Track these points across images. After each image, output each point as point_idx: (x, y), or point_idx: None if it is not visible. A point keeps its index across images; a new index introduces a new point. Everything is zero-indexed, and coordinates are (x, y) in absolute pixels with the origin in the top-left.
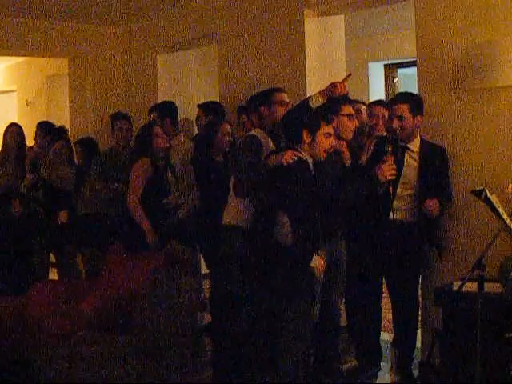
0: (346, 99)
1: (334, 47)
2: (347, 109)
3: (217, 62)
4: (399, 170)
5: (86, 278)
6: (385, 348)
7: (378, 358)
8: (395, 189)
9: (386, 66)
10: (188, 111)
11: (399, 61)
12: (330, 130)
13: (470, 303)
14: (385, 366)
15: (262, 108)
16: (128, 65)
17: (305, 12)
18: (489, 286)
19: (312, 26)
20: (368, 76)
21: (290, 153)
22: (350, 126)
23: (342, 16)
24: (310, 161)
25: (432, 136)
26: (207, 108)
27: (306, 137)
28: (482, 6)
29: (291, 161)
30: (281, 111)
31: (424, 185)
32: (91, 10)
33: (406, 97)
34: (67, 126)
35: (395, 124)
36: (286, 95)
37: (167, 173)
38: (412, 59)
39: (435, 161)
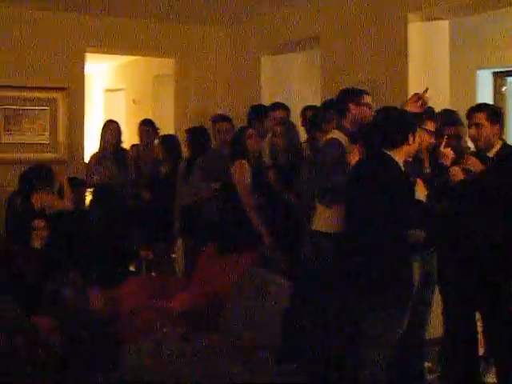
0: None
1: (438, 53)
2: (430, 124)
3: (319, 65)
4: None
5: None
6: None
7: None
8: None
9: (494, 73)
10: (290, 114)
11: (508, 69)
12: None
13: None
14: None
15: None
16: (232, 66)
17: (408, 16)
18: None
19: (415, 30)
20: (476, 84)
21: None
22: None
23: (447, 21)
24: (401, 162)
25: None
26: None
27: (411, 139)
28: None
29: None
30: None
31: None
32: (198, 12)
33: (482, 106)
34: (171, 126)
35: (473, 132)
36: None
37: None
38: None
39: (509, 163)
